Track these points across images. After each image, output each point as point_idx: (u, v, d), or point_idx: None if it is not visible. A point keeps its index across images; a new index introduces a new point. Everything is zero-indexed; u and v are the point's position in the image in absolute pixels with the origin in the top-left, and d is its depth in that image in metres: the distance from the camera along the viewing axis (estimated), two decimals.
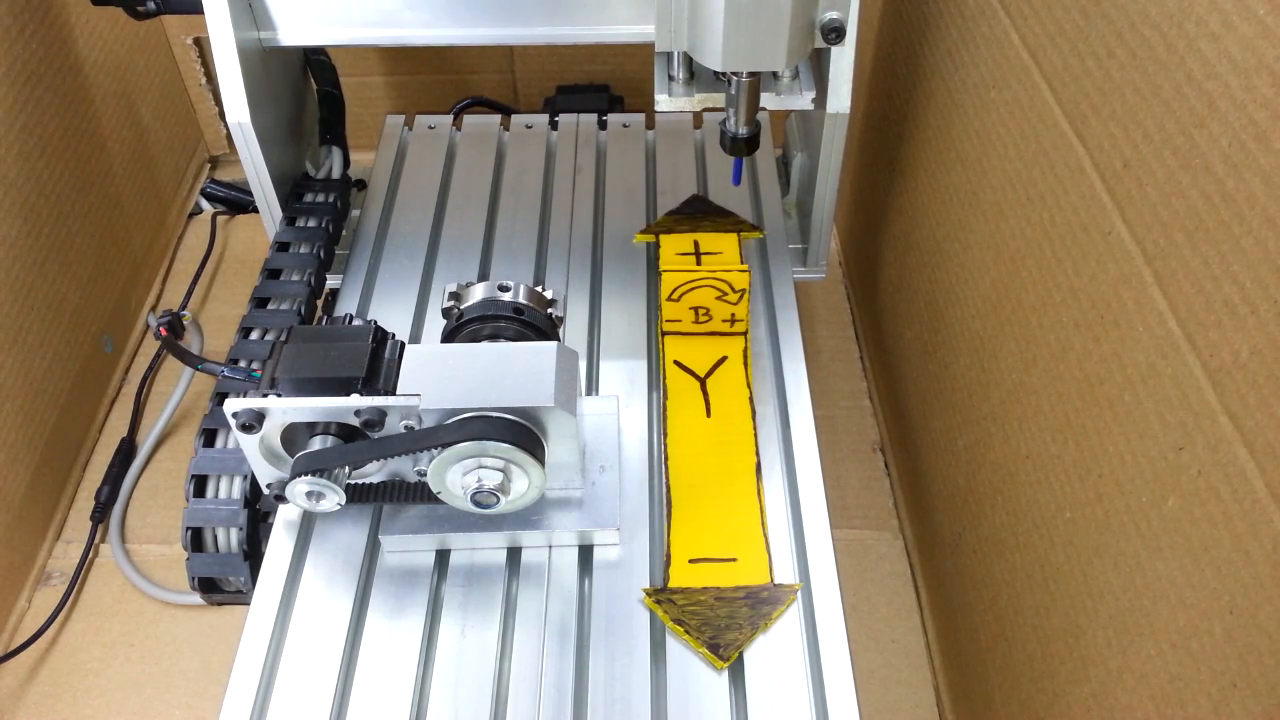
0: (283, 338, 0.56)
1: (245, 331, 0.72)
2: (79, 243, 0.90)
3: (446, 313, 0.63)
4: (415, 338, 0.73)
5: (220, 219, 1.12)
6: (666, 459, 0.63)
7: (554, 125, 0.92)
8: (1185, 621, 0.45)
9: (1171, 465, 0.45)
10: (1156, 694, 0.47)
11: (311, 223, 0.81)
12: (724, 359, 0.69)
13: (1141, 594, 0.48)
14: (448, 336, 0.62)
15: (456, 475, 0.54)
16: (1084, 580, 0.54)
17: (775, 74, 0.67)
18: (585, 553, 0.59)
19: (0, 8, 0.79)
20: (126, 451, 0.91)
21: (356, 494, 0.57)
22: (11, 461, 0.80)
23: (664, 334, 0.71)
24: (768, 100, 0.67)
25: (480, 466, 0.53)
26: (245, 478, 0.63)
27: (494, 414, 0.53)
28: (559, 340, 0.62)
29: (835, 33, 0.61)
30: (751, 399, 0.67)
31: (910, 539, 0.86)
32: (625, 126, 0.92)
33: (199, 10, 0.71)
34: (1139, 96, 0.48)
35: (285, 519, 0.61)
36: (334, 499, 0.54)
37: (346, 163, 0.90)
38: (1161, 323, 0.46)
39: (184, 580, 0.64)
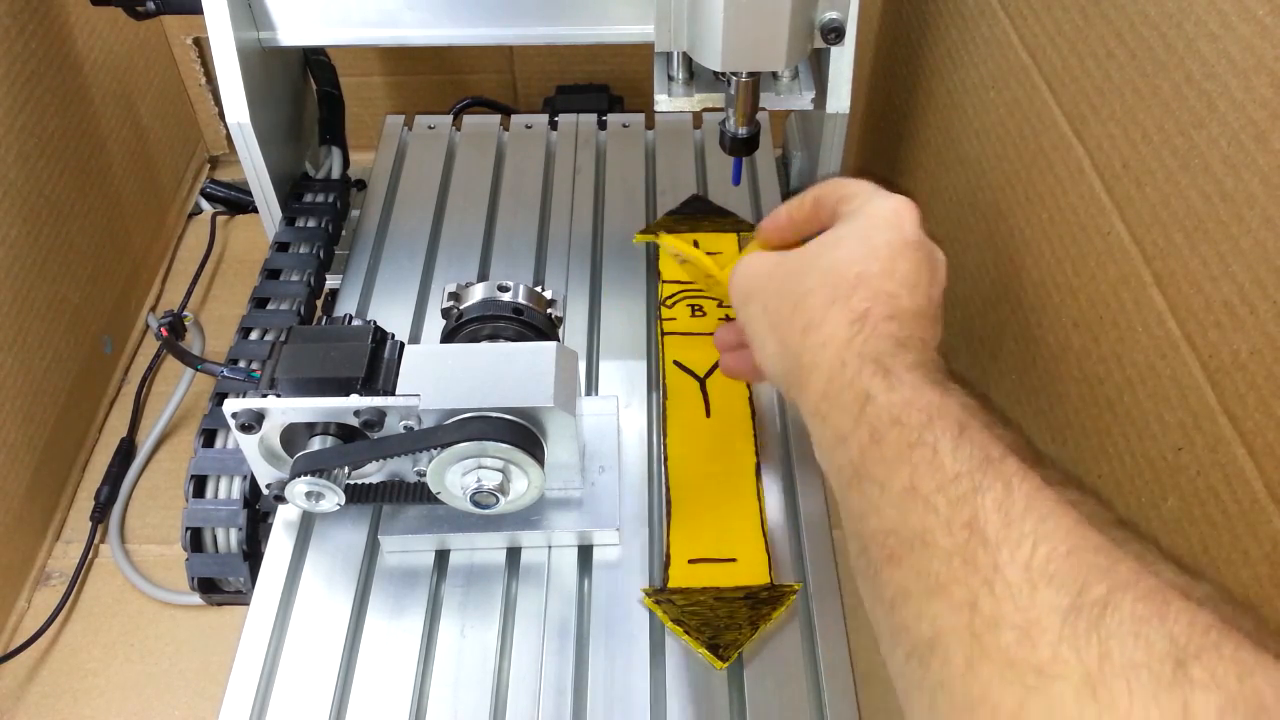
0: (282, 338, 0.56)
1: (245, 331, 0.72)
2: (79, 243, 0.90)
3: (446, 313, 0.63)
4: (415, 338, 0.73)
5: (220, 219, 1.12)
6: (666, 459, 0.63)
7: (554, 125, 0.92)
8: None
9: (1171, 465, 0.45)
10: None
11: (311, 223, 0.81)
12: None
13: None
14: (447, 336, 0.62)
15: (456, 475, 0.54)
16: None
17: (775, 74, 0.67)
18: (585, 553, 0.59)
19: (0, 8, 0.79)
20: (126, 452, 0.91)
21: (356, 494, 0.57)
22: (11, 461, 0.80)
23: (664, 334, 0.71)
24: (767, 100, 0.67)
25: (480, 467, 0.53)
26: (245, 478, 0.63)
27: (493, 414, 0.53)
28: (559, 340, 0.62)
29: (835, 33, 0.61)
30: (751, 399, 0.66)
31: None
32: (625, 126, 0.92)
33: (199, 10, 0.70)
34: (1138, 97, 0.48)
35: (285, 519, 0.61)
36: (333, 499, 0.54)
37: (346, 163, 0.90)
38: (1161, 323, 0.46)
39: (184, 580, 0.64)
